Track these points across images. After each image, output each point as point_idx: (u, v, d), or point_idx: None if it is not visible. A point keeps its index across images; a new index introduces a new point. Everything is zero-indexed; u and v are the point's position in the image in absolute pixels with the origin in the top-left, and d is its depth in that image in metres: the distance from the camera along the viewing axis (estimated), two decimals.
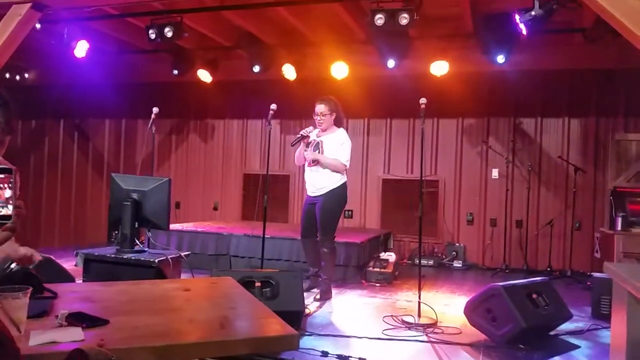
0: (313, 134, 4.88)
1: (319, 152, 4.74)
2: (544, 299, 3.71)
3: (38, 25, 6.04)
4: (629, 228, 5.73)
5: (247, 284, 3.61)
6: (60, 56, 6.83)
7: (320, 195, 4.71)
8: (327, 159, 4.70)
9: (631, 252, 5.55)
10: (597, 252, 6.33)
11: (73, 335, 1.46)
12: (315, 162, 4.73)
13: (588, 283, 5.73)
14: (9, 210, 1.36)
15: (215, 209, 8.69)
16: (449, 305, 4.80)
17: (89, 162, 9.44)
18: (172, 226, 6.75)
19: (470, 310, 3.73)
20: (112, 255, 3.56)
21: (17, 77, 8.88)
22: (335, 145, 4.74)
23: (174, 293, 2.12)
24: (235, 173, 8.64)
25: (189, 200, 8.80)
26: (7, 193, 1.38)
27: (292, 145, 4.94)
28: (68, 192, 9.41)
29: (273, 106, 4.79)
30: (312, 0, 5.79)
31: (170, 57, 7.66)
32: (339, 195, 4.73)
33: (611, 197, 6.04)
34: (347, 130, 5.06)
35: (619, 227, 5.75)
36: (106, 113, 9.21)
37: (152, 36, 6.08)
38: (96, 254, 3.65)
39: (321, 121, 4.79)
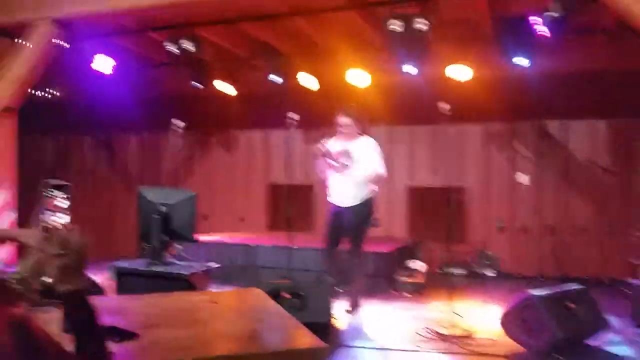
0: (330, 143, 4.82)
1: (348, 160, 4.62)
2: (580, 308, 3.59)
3: (67, 45, 6.21)
4: None
5: (275, 295, 3.60)
6: (85, 72, 6.96)
7: (352, 206, 4.59)
8: (369, 176, 4.58)
9: None
10: (634, 258, 6.13)
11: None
12: (349, 166, 4.60)
13: (626, 290, 5.55)
14: (66, 218, 1.40)
15: (241, 220, 8.71)
16: (482, 316, 4.68)
17: (116, 176, 9.58)
18: (200, 237, 6.78)
19: (507, 320, 3.64)
20: (144, 268, 3.58)
21: (45, 94, 9.09)
22: (365, 152, 4.63)
23: (202, 305, 2.11)
24: (259, 183, 8.66)
25: (215, 212, 8.83)
26: (61, 204, 1.42)
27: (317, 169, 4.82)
28: (95, 206, 9.54)
29: (294, 116, 4.76)
30: (328, 8, 5.77)
31: (190, 70, 7.69)
32: (370, 206, 4.66)
33: None
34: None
35: None
36: (131, 127, 9.33)
37: (171, 49, 6.15)
38: (128, 267, 3.68)
39: (345, 133, 4.70)
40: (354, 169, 4.60)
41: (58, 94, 9.04)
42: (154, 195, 3.77)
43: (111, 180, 9.53)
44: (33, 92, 8.93)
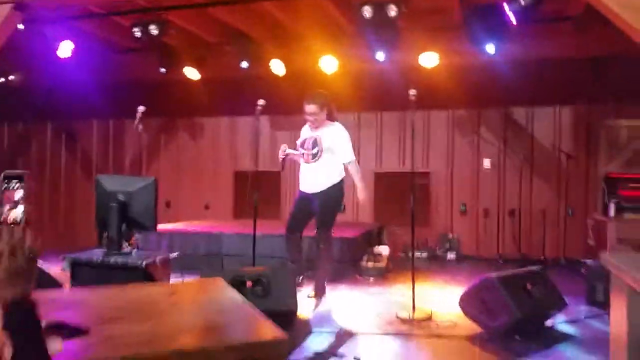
0: (302, 131, 4.78)
1: (317, 150, 4.59)
2: (538, 289, 3.67)
3: (21, 26, 5.95)
4: (622, 214, 5.72)
5: (238, 283, 3.56)
6: (45, 57, 6.72)
7: (321, 191, 4.58)
8: (360, 182, 4.59)
9: (625, 238, 5.53)
10: (590, 239, 6.32)
11: (51, 347, 1.40)
12: (318, 154, 4.58)
13: (582, 271, 5.71)
14: (19, 210, 1.35)
15: (206, 207, 8.61)
16: (443, 298, 4.77)
17: (78, 164, 9.33)
18: (163, 226, 6.66)
19: (465, 302, 3.70)
20: (99, 259, 3.49)
21: (2, 80, 8.75)
22: (336, 141, 4.59)
23: (159, 297, 2.06)
24: (226, 171, 8.56)
25: (179, 200, 8.71)
26: (18, 195, 1.37)
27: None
28: (57, 195, 9.30)
29: (260, 102, 4.70)
30: None
31: (157, 55, 7.54)
32: (340, 190, 4.65)
33: (603, 184, 6.03)
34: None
35: (612, 214, 5.75)
36: (93, 114, 9.09)
37: (138, 34, 5.99)
38: (82, 258, 3.57)
39: (313, 120, 4.65)
40: (323, 157, 4.58)
41: (15, 78, 8.72)
42: (112, 182, 3.66)
43: (73, 169, 9.29)
44: None
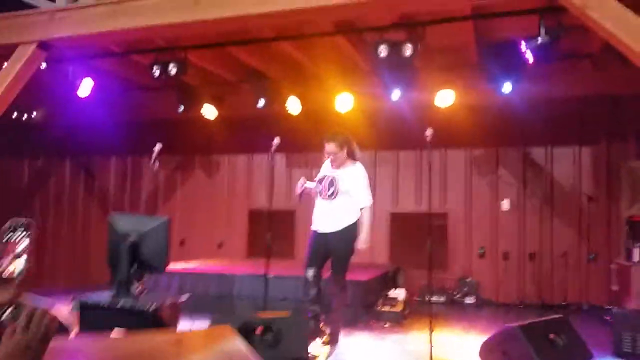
0: (323, 167, 4.73)
1: (333, 190, 4.50)
2: (562, 339, 3.49)
3: (44, 65, 6.09)
4: None
5: (248, 330, 3.44)
6: (66, 95, 6.84)
7: (336, 231, 4.47)
8: (365, 230, 4.44)
9: None
10: (614, 284, 6.07)
11: None
12: (334, 195, 4.49)
13: (606, 317, 5.47)
14: (20, 263, 1.31)
15: (219, 246, 8.53)
16: (462, 347, 4.57)
17: (95, 200, 9.38)
18: (175, 266, 6.59)
19: (486, 353, 3.52)
20: (107, 302, 3.41)
21: (24, 117, 8.92)
22: (353, 183, 4.50)
23: (163, 348, 1.96)
24: (241, 209, 8.52)
25: (193, 238, 8.66)
26: (22, 246, 1.34)
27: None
28: (73, 232, 9.32)
29: (276, 140, 4.67)
30: (316, 33, 5.75)
31: (175, 94, 7.65)
32: (356, 231, 4.51)
33: (627, 227, 5.83)
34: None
35: (637, 258, 5.53)
36: (112, 151, 9.20)
37: (157, 73, 6.08)
38: (89, 301, 3.50)
39: (333, 159, 4.58)
40: (338, 198, 4.49)
41: (37, 115, 8.89)
42: (124, 222, 3.61)
43: (90, 205, 9.33)
44: (12, 115, 8.80)
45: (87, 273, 8.88)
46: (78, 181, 9.51)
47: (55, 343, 2.12)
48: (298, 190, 4.61)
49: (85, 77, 6.53)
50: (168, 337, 2.31)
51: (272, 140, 4.68)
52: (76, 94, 6.66)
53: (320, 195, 4.60)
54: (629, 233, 5.69)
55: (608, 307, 5.61)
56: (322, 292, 4.58)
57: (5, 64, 5.81)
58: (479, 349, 3.61)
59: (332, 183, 4.54)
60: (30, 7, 5.82)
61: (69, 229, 9.39)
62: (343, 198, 4.49)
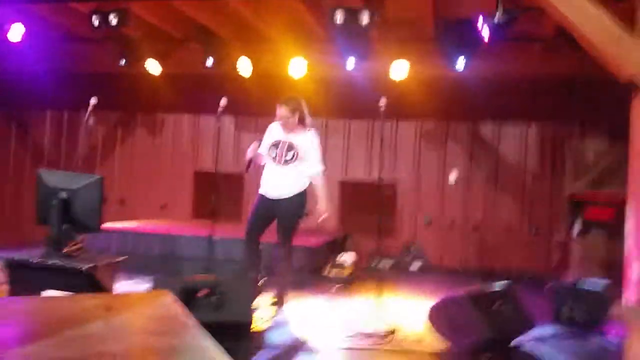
0: (274, 130, 4.59)
1: (293, 155, 4.42)
2: (507, 308, 3.57)
3: None
4: (586, 234, 5.73)
5: (191, 292, 3.29)
6: None
7: (286, 197, 4.40)
8: (324, 195, 4.44)
9: (588, 257, 5.54)
10: (554, 258, 6.33)
11: None
12: (292, 160, 4.41)
13: (546, 288, 5.69)
14: None
15: (163, 207, 8.24)
16: (408, 310, 4.62)
17: (28, 155, 8.80)
18: (114, 225, 6.32)
19: (434, 316, 3.57)
20: (38, 261, 3.17)
21: None
22: (309, 149, 4.45)
23: (92, 313, 1.79)
24: (186, 170, 8.22)
25: (134, 198, 8.32)
26: None
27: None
28: (3, 187, 8.73)
29: (223, 101, 4.47)
30: None
31: (117, 47, 7.17)
32: (305, 198, 4.49)
33: (568, 204, 6.04)
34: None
35: (576, 234, 5.75)
36: (47, 104, 8.61)
37: (96, 23, 5.69)
38: (20, 259, 3.24)
39: (284, 123, 4.48)
40: (294, 164, 4.42)
41: None
42: (54, 179, 3.35)
43: (23, 160, 8.74)
44: None
45: (20, 231, 8.36)
46: (9, 134, 8.88)
47: None
48: (249, 155, 4.46)
49: (15, 21, 5.98)
50: (98, 300, 2.13)
51: (220, 101, 4.47)
52: (5, 40, 6.11)
53: (273, 160, 4.47)
54: (569, 210, 5.90)
55: (548, 278, 5.83)
56: (261, 255, 4.53)
57: None
58: (427, 312, 3.64)
59: (290, 148, 4.44)
60: None
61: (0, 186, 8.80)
62: (298, 164, 4.42)
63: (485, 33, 5.25)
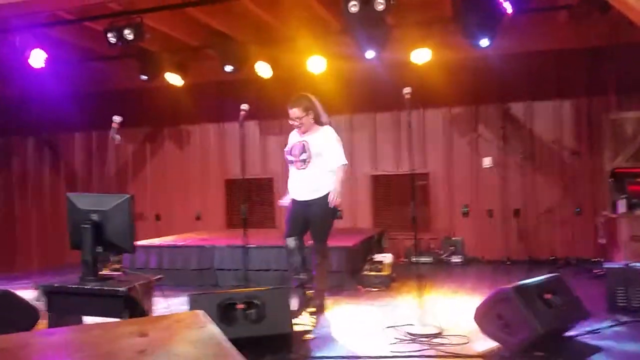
0: (290, 137, 4.49)
1: (306, 156, 4.30)
2: (557, 298, 3.36)
3: None
4: (633, 210, 5.45)
5: (229, 306, 3.24)
6: (17, 67, 6.36)
7: (314, 199, 4.28)
8: (337, 185, 4.23)
9: (637, 234, 5.26)
10: (601, 237, 6.03)
11: None
12: (307, 161, 4.29)
13: (595, 271, 5.44)
14: None
15: (197, 218, 8.27)
16: (452, 308, 4.46)
17: (62, 178, 8.96)
18: (152, 241, 6.36)
19: (481, 317, 3.38)
20: (74, 286, 3.15)
21: None
22: (325, 144, 4.30)
23: (125, 342, 1.72)
24: (216, 179, 8.22)
25: (170, 212, 8.38)
26: None
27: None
28: (42, 212, 8.91)
29: (244, 106, 4.39)
30: None
31: (137, 62, 7.23)
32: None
33: (611, 180, 5.76)
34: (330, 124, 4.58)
35: (622, 210, 5.47)
36: (75, 126, 8.73)
37: (112, 40, 5.68)
38: (57, 285, 3.23)
39: (299, 125, 4.37)
40: (313, 163, 4.30)
41: None
42: (84, 202, 3.33)
43: (57, 184, 8.90)
44: None
45: (61, 254, 8.53)
46: (43, 159, 9.06)
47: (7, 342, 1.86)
48: (283, 204, 4.48)
49: (35, 47, 6.05)
50: (132, 326, 2.07)
51: (241, 107, 4.40)
52: (29, 67, 6.20)
53: (293, 165, 4.39)
54: (613, 185, 5.61)
55: (595, 260, 5.57)
56: (307, 260, 4.43)
57: None
58: (473, 312, 3.47)
59: (303, 148, 4.34)
60: None
61: (37, 210, 8.99)
62: (316, 162, 4.29)
63: (507, 5, 5.06)
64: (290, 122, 4.41)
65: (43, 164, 9.05)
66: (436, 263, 6.75)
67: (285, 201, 4.48)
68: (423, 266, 6.38)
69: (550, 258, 6.50)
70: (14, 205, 9.10)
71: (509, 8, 5.20)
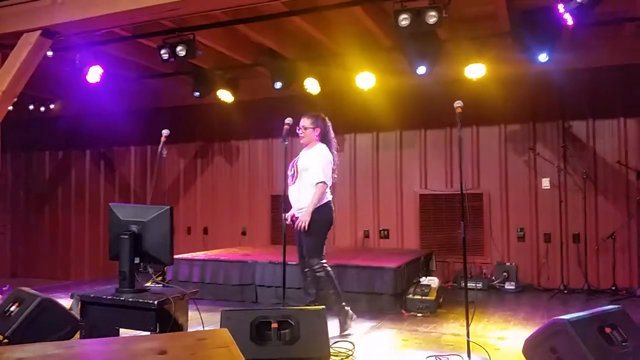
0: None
1: (294, 171, 4.42)
2: (620, 333, 3.04)
3: (50, 53, 5.88)
4: None
5: (262, 325, 3.12)
6: (77, 84, 6.63)
7: (300, 209, 4.32)
8: (310, 205, 4.22)
9: None
10: None
11: None
12: (294, 176, 4.41)
13: None
14: None
15: (243, 233, 8.27)
16: (503, 339, 4.16)
17: (116, 190, 9.23)
18: (196, 254, 6.39)
19: (531, 350, 3.11)
20: (108, 297, 3.13)
21: (42, 109, 8.83)
22: (309, 160, 4.35)
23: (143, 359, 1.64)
24: (263, 195, 8.21)
25: (217, 225, 8.45)
26: None
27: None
28: (96, 223, 9.19)
29: (288, 120, 4.36)
30: (331, 6, 5.34)
31: (189, 79, 7.41)
32: (321, 213, 4.28)
33: None
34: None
35: None
36: (130, 140, 9.02)
37: (165, 56, 5.82)
38: (92, 295, 3.23)
39: (302, 134, 4.48)
40: (299, 178, 4.38)
41: (54, 107, 8.80)
42: (125, 212, 3.34)
43: (112, 195, 9.16)
44: (30, 107, 8.72)
45: (112, 263, 8.73)
46: (98, 172, 9.38)
47: (15, 352, 1.82)
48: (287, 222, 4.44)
49: (93, 64, 6.28)
50: (153, 343, 1.99)
51: (285, 121, 4.40)
52: (87, 84, 6.45)
53: (289, 179, 4.51)
54: None
55: None
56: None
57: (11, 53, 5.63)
58: (522, 344, 3.19)
59: (293, 164, 4.47)
60: None
61: (91, 220, 9.28)
62: (302, 177, 4.36)
63: (568, 18, 4.80)
64: (297, 130, 4.52)
65: (99, 177, 9.36)
66: (487, 289, 6.40)
67: (287, 217, 4.45)
68: (473, 292, 6.05)
69: (612, 288, 6.00)
70: (71, 216, 9.44)
71: (569, 20, 4.93)
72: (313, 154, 4.39)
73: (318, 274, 4.26)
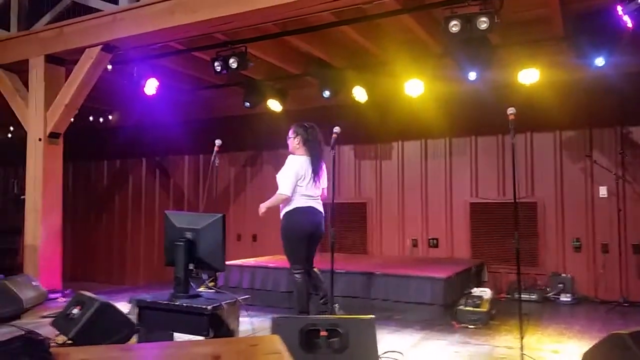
0: None
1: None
2: None
3: (109, 67, 6.19)
4: None
5: (311, 332, 3.15)
6: (135, 95, 6.93)
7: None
8: (268, 202, 4.56)
9: None
10: None
11: None
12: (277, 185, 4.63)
13: None
14: None
15: None
16: (557, 352, 4.01)
17: (171, 198, 9.53)
18: (247, 261, 6.51)
19: None
20: (163, 302, 3.25)
21: (101, 120, 9.26)
22: (282, 169, 4.57)
23: None
24: None
25: (265, 233, 8.55)
26: None
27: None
28: (151, 230, 9.52)
29: (336, 129, 4.40)
30: (379, 14, 5.36)
31: (241, 90, 7.59)
32: (289, 220, 4.47)
33: None
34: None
35: None
36: (184, 150, 9.30)
37: (218, 68, 6.01)
38: (148, 300, 3.36)
39: (289, 144, 4.67)
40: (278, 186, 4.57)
41: (113, 118, 9.20)
42: (179, 220, 3.46)
43: (167, 203, 9.47)
44: (89, 118, 9.17)
45: (167, 269, 9.01)
46: (154, 180, 9.72)
47: (78, 354, 1.92)
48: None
49: (150, 76, 6.57)
50: (207, 347, 2.05)
51: (334, 130, 4.47)
52: (144, 95, 6.74)
53: None
54: None
55: None
56: (316, 282, 4.56)
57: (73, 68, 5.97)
58: (577, 358, 3.08)
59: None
60: (98, 11, 5.92)
61: (147, 227, 9.62)
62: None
63: (627, 20, 4.63)
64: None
65: (154, 185, 9.69)
66: (542, 301, 6.18)
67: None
68: (527, 304, 5.84)
69: None
70: (127, 223, 9.82)
71: (629, 22, 4.75)
72: (285, 163, 4.61)
73: (293, 282, 4.46)
